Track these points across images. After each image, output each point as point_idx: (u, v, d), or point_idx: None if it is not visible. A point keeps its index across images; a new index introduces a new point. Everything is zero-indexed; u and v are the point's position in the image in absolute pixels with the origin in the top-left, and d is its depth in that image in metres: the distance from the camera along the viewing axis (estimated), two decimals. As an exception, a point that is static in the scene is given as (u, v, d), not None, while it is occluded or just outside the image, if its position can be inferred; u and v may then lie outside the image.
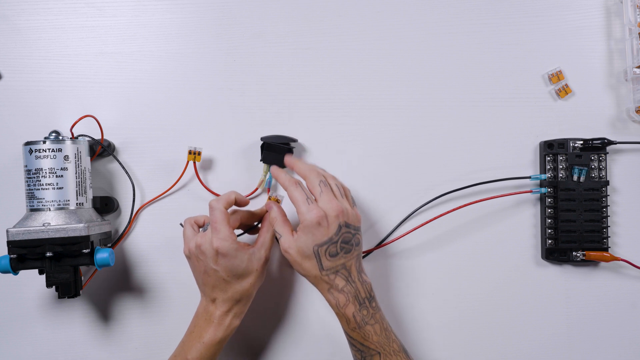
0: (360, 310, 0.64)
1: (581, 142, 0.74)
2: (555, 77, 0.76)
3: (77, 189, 0.69)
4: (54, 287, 0.66)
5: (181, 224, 0.71)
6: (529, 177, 0.75)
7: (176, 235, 0.76)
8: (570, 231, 0.74)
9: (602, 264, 0.76)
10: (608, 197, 0.75)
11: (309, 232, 0.62)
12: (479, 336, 0.76)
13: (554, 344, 0.76)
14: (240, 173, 0.77)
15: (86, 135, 0.73)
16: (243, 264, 0.64)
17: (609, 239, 0.75)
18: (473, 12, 0.78)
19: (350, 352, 0.67)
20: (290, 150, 0.75)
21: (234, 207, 0.69)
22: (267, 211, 0.69)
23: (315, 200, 0.64)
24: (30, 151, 0.67)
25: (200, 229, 0.69)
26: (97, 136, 0.74)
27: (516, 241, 0.76)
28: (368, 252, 0.76)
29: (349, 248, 0.64)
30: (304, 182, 0.67)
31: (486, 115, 0.77)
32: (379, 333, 0.64)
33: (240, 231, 0.72)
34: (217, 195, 0.75)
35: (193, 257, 0.66)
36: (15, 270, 0.65)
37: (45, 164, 0.67)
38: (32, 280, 0.75)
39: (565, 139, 0.75)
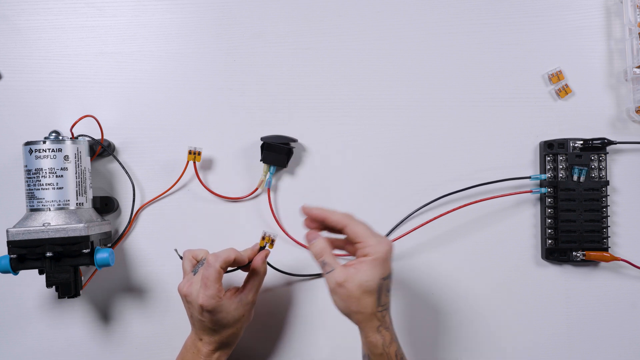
0: (400, 348, 0.62)
1: (581, 142, 0.74)
2: (555, 77, 0.76)
3: (77, 189, 0.69)
4: (54, 287, 0.66)
5: (175, 250, 0.71)
6: (529, 177, 0.75)
7: (176, 235, 0.76)
8: (570, 231, 0.74)
9: (602, 264, 0.76)
10: (608, 197, 0.75)
11: (378, 265, 0.59)
12: (479, 336, 0.76)
13: (554, 344, 0.76)
14: (240, 173, 0.77)
15: (86, 135, 0.73)
16: (229, 315, 0.63)
17: (609, 239, 0.75)
18: (473, 12, 0.78)
19: None
20: (290, 151, 0.75)
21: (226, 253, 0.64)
22: (258, 249, 0.67)
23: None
24: (30, 151, 0.67)
25: (194, 269, 0.66)
26: (97, 136, 0.74)
27: (516, 241, 0.76)
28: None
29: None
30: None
31: (486, 115, 0.77)
32: None
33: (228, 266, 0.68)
34: (216, 194, 0.76)
35: (182, 300, 0.65)
36: (15, 270, 0.65)
37: (45, 164, 0.67)
38: (32, 280, 0.75)
39: (565, 139, 0.75)
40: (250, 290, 0.66)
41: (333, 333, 0.75)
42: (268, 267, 0.70)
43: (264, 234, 0.67)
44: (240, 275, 0.68)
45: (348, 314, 0.60)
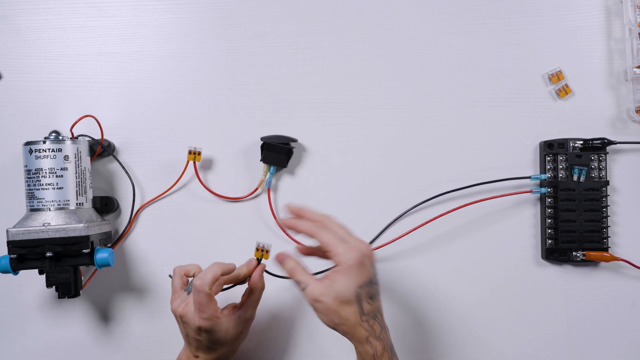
0: (392, 358, 0.59)
1: (581, 142, 0.74)
2: (555, 77, 0.76)
3: (77, 189, 0.69)
4: (54, 287, 0.66)
5: (170, 276, 0.68)
6: (529, 177, 0.75)
7: (176, 235, 0.76)
8: (570, 231, 0.74)
9: (602, 264, 0.76)
10: (608, 197, 0.75)
11: (351, 274, 0.56)
12: (479, 336, 0.76)
13: (554, 344, 0.76)
14: (240, 173, 0.77)
15: (86, 135, 0.73)
16: (228, 333, 0.62)
17: (609, 239, 0.75)
18: (473, 12, 0.78)
19: None
20: (290, 151, 0.75)
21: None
22: (255, 264, 0.65)
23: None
24: (30, 151, 0.67)
25: (186, 287, 0.65)
26: (97, 136, 0.74)
27: (516, 241, 0.76)
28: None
29: (378, 289, 0.60)
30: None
31: (486, 115, 0.77)
32: None
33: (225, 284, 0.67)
34: (216, 194, 0.76)
35: (177, 319, 0.63)
36: (15, 270, 0.65)
37: (45, 164, 0.67)
38: (32, 280, 0.75)
39: (565, 139, 0.75)
40: (249, 306, 0.65)
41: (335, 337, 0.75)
42: (269, 273, 0.69)
43: (258, 245, 0.66)
44: (238, 290, 0.67)
45: (333, 327, 0.58)
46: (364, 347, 0.57)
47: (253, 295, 0.65)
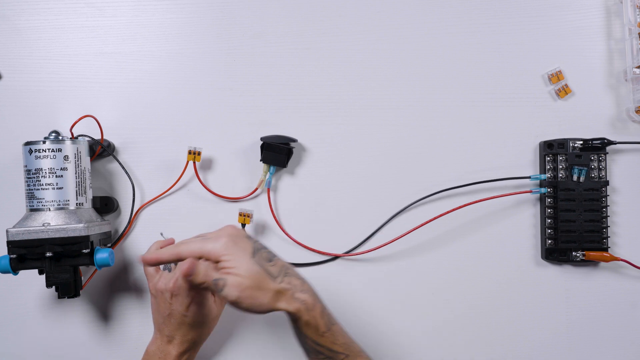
0: (325, 308, 0.59)
1: (581, 142, 0.74)
2: (555, 77, 0.76)
3: (77, 189, 0.69)
4: (54, 287, 0.66)
5: (161, 234, 0.73)
6: (529, 177, 0.75)
7: (176, 235, 0.76)
8: (570, 231, 0.74)
9: (602, 264, 0.76)
10: (608, 197, 0.75)
11: (237, 253, 0.56)
12: (479, 336, 0.76)
13: (554, 344, 0.76)
14: (240, 173, 0.77)
15: (86, 135, 0.73)
16: (212, 312, 0.64)
17: (608, 239, 0.75)
18: (473, 12, 0.78)
19: None
20: (290, 151, 0.75)
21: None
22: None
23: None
24: (30, 151, 0.67)
25: (165, 266, 0.66)
26: (97, 136, 0.74)
27: (516, 241, 0.76)
28: (367, 253, 0.76)
29: (269, 251, 0.60)
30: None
31: (486, 115, 0.77)
32: (343, 333, 0.60)
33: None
34: (216, 194, 0.76)
35: (160, 297, 0.64)
36: (15, 270, 0.65)
37: (45, 164, 0.67)
38: (32, 280, 0.75)
39: (565, 139, 0.75)
40: None
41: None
42: None
43: (241, 211, 0.72)
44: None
45: (264, 307, 0.56)
46: (293, 305, 0.56)
47: None
